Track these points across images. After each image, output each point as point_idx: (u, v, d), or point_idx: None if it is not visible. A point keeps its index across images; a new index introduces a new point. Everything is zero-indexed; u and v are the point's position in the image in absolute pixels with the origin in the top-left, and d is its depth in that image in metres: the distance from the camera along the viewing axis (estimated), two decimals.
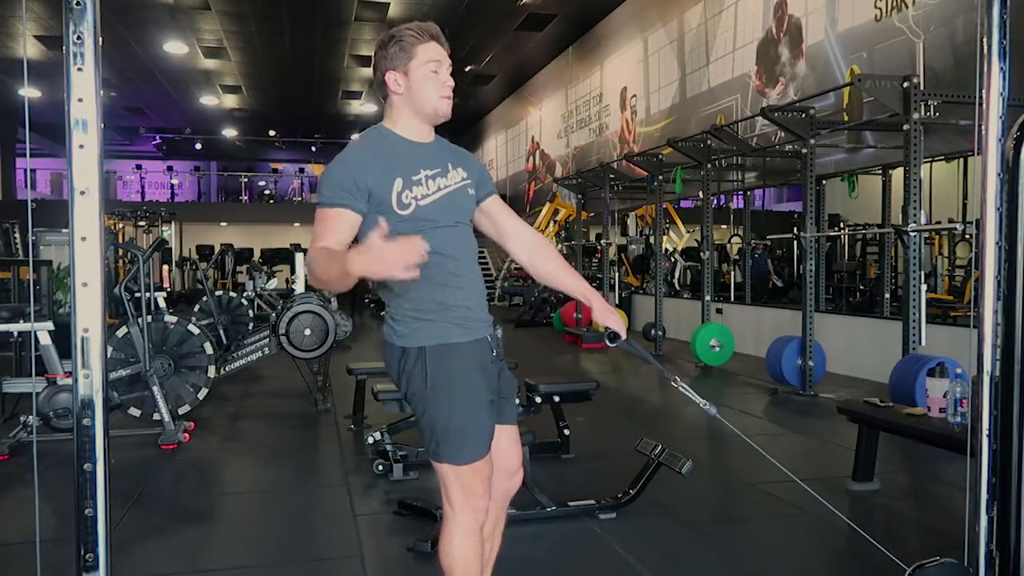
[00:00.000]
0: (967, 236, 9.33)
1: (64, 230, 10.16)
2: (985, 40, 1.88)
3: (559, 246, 13.44)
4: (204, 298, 8.43)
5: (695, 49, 11.22)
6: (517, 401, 3.87)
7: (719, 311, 9.32)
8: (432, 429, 1.91)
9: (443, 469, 1.93)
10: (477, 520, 1.97)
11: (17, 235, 14.04)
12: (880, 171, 8.55)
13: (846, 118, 7.85)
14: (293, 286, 7.29)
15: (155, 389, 4.80)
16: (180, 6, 12.80)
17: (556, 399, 4.09)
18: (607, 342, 1.95)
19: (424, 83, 1.93)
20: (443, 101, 1.96)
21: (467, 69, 16.94)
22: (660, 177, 9.38)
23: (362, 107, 20.93)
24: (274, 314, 6.42)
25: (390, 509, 3.49)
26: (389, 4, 12.75)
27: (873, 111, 7.17)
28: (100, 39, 1.42)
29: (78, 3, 1.39)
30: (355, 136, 2.25)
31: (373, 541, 3.17)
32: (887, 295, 8.21)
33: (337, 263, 1.66)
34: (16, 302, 7.92)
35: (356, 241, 1.87)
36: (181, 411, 5.16)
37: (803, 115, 6.46)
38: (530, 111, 18.68)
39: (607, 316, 2.00)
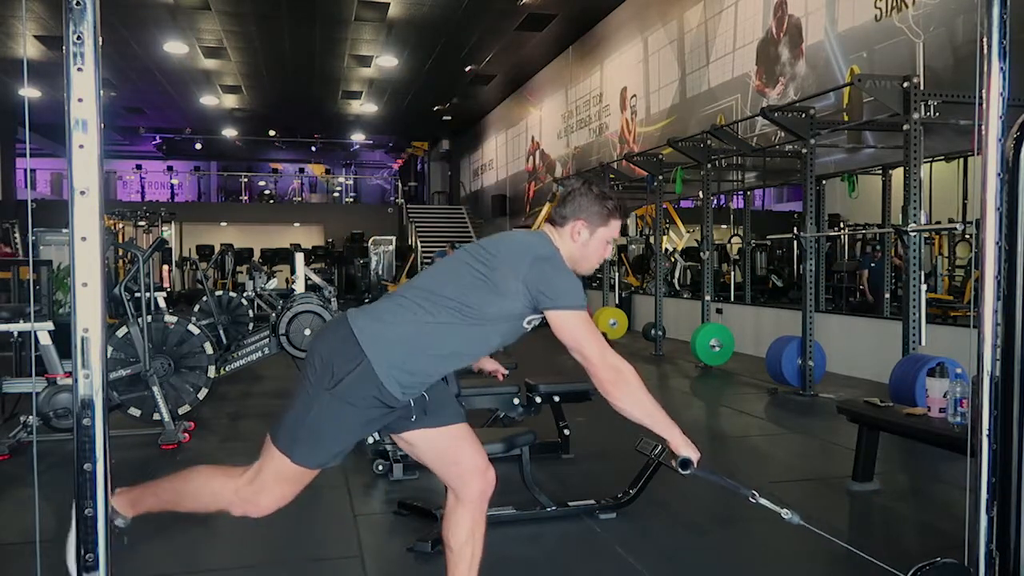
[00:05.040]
0: (967, 236, 9.33)
1: (64, 230, 10.15)
2: (985, 40, 1.88)
3: None
4: (204, 298, 8.43)
5: (695, 49, 11.21)
6: (518, 402, 3.87)
7: (719, 311, 9.32)
8: (300, 421, 1.94)
9: (279, 454, 1.95)
10: (260, 510, 1.98)
11: (17, 235, 14.04)
12: (880, 171, 8.55)
13: (846, 118, 7.85)
14: (293, 286, 7.28)
15: (155, 389, 4.80)
16: (180, 6, 12.80)
17: (556, 399, 4.09)
18: (679, 469, 1.94)
19: (599, 249, 2.12)
20: (596, 267, 2.18)
21: (467, 69, 16.94)
22: (660, 177, 9.38)
23: (362, 107, 20.92)
24: (274, 314, 6.42)
25: (390, 509, 3.49)
26: (389, 4, 12.76)
27: (873, 111, 7.17)
28: (100, 39, 1.42)
29: (78, 3, 1.39)
30: (543, 237, 2.23)
31: (373, 541, 3.17)
32: (887, 295, 8.22)
33: (659, 410, 1.94)
34: (16, 302, 7.92)
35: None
36: (181, 411, 5.16)
37: (803, 115, 6.46)
38: (530, 111, 18.68)
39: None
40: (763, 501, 1.98)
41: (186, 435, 4.80)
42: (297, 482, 1.99)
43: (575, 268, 2.10)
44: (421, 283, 2.04)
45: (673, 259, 12.25)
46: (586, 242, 2.09)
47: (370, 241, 19.16)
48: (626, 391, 1.92)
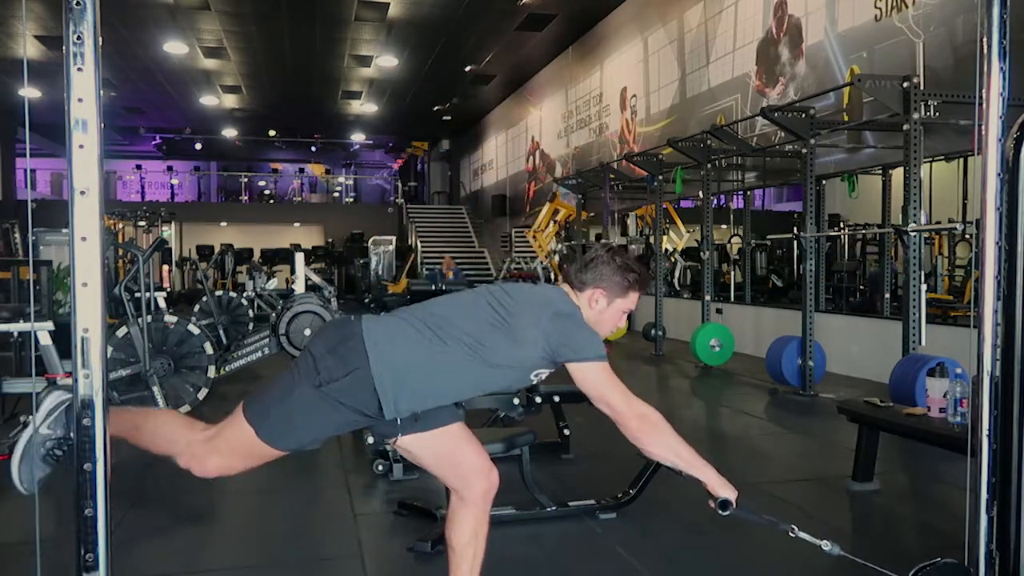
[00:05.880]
0: (967, 236, 9.33)
1: (64, 230, 10.16)
2: (985, 40, 1.87)
3: (559, 246, 13.45)
4: (204, 298, 8.43)
5: (695, 49, 11.22)
6: (518, 402, 3.85)
7: (719, 311, 9.32)
8: (277, 401, 1.96)
9: (247, 426, 1.96)
10: (205, 471, 1.99)
11: (17, 235, 14.04)
12: (880, 171, 8.55)
13: (846, 118, 7.85)
14: (293, 286, 7.28)
15: (155, 389, 4.81)
16: (180, 6, 12.80)
17: (556, 399, 4.08)
18: (719, 511, 1.95)
19: (614, 318, 2.14)
20: (607, 336, 2.19)
21: (467, 69, 16.93)
22: (660, 177, 9.38)
23: (362, 107, 20.91)
24: (274, 314, 6.43)
25: (390, 509, 3.49)
26: (389, 4, 12.76)
27: (873, 111, 7.17)
28: (100, 39, 1.42)
29: (78, 3, 1.39)
30: (563, 294, 2.13)
31: (373, 541, 3.17)
32: (887, 295, 8.21)
33: (692, 452, 1.97)
34: (16, 302, 7.92)
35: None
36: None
37: (803, 115, 6.46)
38: (530, 111, 18.68)
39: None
40: (803, 535, 1.98)
41: None
42: (252, 457, 2.00)
43: None
44: (439, 310, 2.04)
45: (673, 259, 12.25)
46: (603, 310, 2.10)
47: (370, 241, 19.16)
48: (657, 437, 1.95)
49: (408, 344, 1.95)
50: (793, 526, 1.99)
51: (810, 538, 1.97)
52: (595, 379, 1.96)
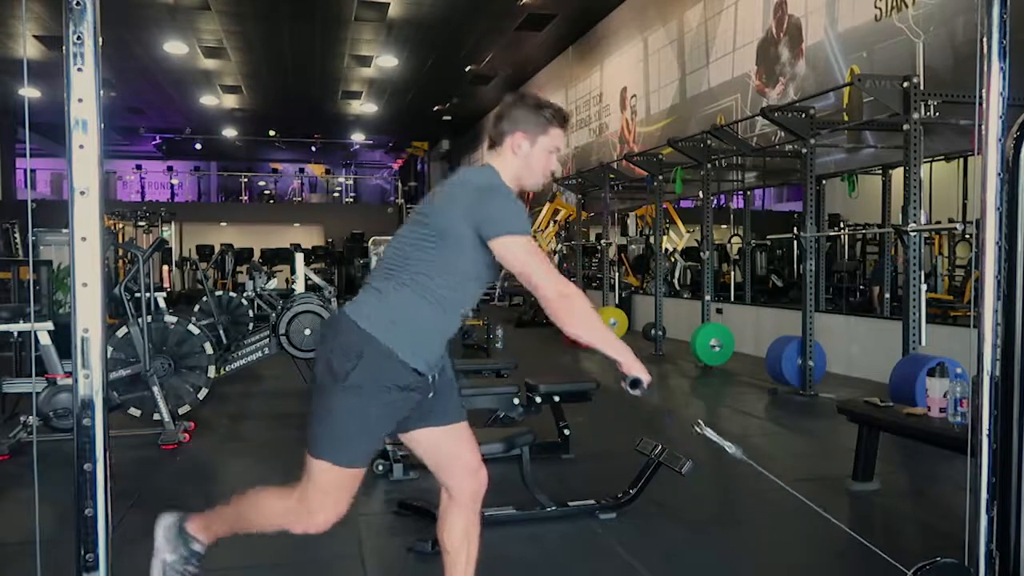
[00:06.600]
0: (967, 236, 9.33)
1: (64, 230, 10.15)
2: (985, 40, 1.88)
3: (559, 246, 13.45)
4: (204, 298, 8.43)
5: (695, 49, 11.21)
6: (518, 402, 3.86)
7: (719, 311, 9.32)
8: (323, 421, 1.91)
9: (316, 464, 1.92)
10: (318, 526, 1.95)
11: (17, 235, 14.03)
12: (880, 171, 8.54)
13: (846, 118, 7.85)
14: (293, 286, 7.29)
15: (155, 389, 4.80)
16: (180, 6, 12.80)
17: (556, 399, 4.09)
18: (629, 388, 1.96)
19: (542, 160, 2.05)
20: (542, 181, 2.09)
21: (467, 69, 16.93)
22: (660, 177, 9.38)
23: (362, 107, 20.91)
24: (274, 314, 6.42)
25: (390, 509, 3.49)
26: (389, 4, 12.76)
27: (873, 111, 7.17)
28: (100, 39, 1.42)
29: (78, 3, 1.39)
30: (484, 170, 2.06)
31: (373, 541, 3.17)
32: (887, 295, 8.21)
33: (610, 332, 1.96)
34: (16, 302, 7.92)
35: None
36: (181, 411, 5.16)
37: (803, 115, 6.46)
38: None
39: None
40: (707, 432, 2.00)
41: (186, 435, 4.80)
42: (342, 488, 1.95)
43: (521, 184, 2.06)
44: (392, 254, 2.02)
45: (673, 259, 12.25)
46: (528, 154, 2.03)
47: (370, 241, 19.14)
48: (578, 316, 1.90)
49: (392, 301, 1.94)
50: (699, 421, 2.03)
51: (714, 435, 1.99)
52: (518, 253, 1.89)
